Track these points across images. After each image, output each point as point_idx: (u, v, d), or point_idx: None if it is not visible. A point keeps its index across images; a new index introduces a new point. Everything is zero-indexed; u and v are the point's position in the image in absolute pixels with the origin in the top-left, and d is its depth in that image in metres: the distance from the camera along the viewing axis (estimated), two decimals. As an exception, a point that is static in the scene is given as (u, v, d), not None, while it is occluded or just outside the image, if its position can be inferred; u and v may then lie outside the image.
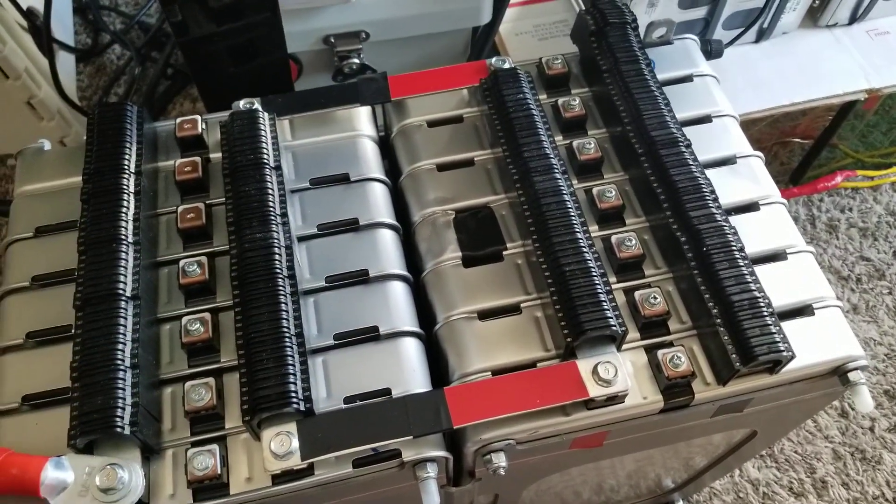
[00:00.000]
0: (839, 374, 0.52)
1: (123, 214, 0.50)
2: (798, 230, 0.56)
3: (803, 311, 0.53)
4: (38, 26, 0.98)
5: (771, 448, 0.97)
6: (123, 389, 0.44)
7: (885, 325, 1.07)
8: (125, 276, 0.47)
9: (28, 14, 0.97)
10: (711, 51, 0.72)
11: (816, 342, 0.51)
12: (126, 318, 0.46)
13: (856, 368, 0.51)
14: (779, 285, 0.53)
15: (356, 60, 0.85)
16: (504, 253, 0.55)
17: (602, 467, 0.69)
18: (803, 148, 1.12)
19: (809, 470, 0.97)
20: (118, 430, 0.42)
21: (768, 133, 1.04)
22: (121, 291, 0.47)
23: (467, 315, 0.52)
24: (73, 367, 0.45)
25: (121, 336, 0.45)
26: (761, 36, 0.99)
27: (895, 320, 1.07)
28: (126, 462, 0.43)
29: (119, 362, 0.44)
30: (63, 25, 1.19)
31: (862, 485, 0.96)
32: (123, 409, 0.43)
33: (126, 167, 0.52)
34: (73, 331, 0.47)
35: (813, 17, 1.01)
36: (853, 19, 1.01)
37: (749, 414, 0.55)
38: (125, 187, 0.51)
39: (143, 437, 0.44)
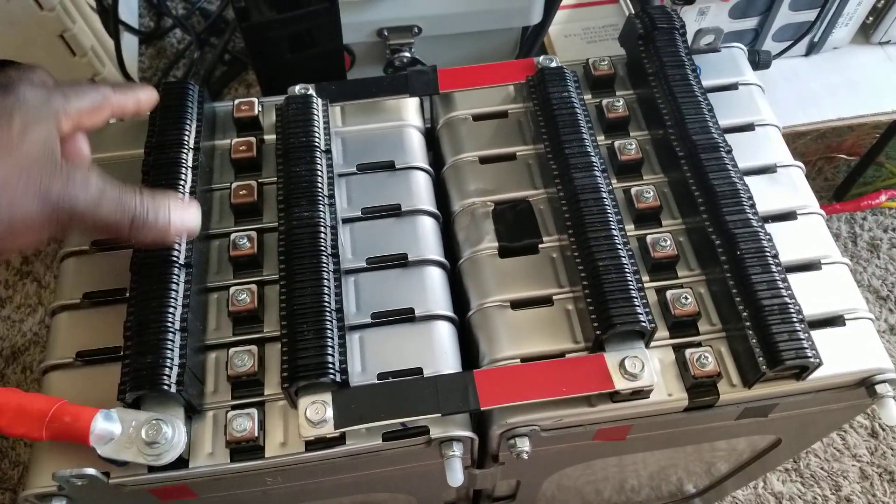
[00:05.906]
0: (866, 385, 0.52)
1: (181, 186, 0.53)
2: (835, 243, 0.57)
3: (834, 321, 0.53)
4: (107, 8, 1.03)
5: (797, 462, 0.97)
6: (172, 350, 0.46)
7: (922, 347, 1.06)
8: (180, 244, 0.50)
9: (98, -5, 1.01)
10: (759, 61, 0.72)
11: (845, 352, 0.52)
12: (178, 284, 0.48)
13: (884, 381, 0.52)
14: (811, 294, 0.53)
15: (407, 54, 0.87)
16: (540, 246, 0.57)
17: (624, 465, 0.70)
18: (849, 164, 1.11)
19: (835, 487, 0.96)
20: (165, 387, 0.45)
21: (814, 147, 1.03)
22: (174, 258, 0.49)
23: (500, 303, 0.54)
24: (126, 327, 0.47)
25: (172, 300, 0.47)
26: (811, 49, 0.98)
27: (933, 343, 1.06)
28: (170, 419, 0.46)
29: (169, 324, 0.47)
30: (129, 8, 1.24)
31: (888, 506, 0.95)
32: (171, 368, 0.45)
33: (186, 143, 0.55)
34: (127, 293, 0.50)
35: (865, 33, 1.00)
36: (907, 37, 1.00)
37: (774, 420, 0.56)
38: (184, 161, 0.54)
39: (187, 397, 0.46)
